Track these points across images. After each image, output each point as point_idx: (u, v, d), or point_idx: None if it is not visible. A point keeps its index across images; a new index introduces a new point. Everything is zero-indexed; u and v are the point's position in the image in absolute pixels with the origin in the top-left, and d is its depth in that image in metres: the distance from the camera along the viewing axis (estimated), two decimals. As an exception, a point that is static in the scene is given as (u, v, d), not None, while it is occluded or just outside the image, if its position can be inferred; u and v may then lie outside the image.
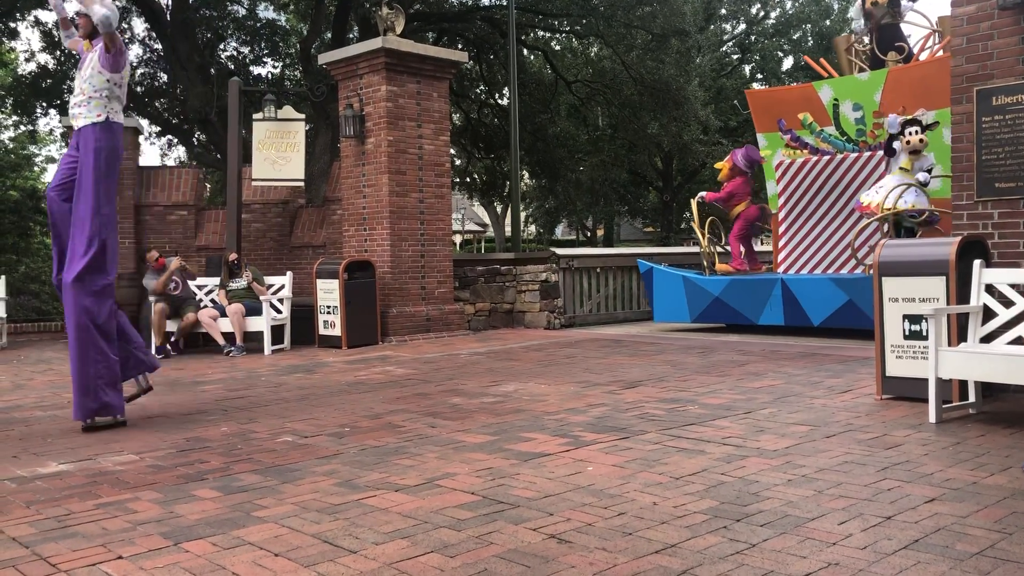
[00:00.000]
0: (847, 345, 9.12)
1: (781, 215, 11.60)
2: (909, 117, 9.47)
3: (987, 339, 5.47)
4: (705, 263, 11.78)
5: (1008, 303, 5.44)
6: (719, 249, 12.39)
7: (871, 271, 9.15)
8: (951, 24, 6.48)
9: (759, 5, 35.19)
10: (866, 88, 10.93)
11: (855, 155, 10.83)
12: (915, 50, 11.35)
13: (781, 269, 11.56)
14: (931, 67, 10.38)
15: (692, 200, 12.29)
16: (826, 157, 11.07)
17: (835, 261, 10.94)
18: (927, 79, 10.23)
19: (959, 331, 5.57)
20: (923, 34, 11.55)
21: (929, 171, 9.41)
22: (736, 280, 10.89)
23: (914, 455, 4.46)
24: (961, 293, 5.61)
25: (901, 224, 9.39)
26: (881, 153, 10.14)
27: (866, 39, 11.38)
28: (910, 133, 9.39)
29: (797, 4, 34.94)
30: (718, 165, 12.20)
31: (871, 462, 4.33)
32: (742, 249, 11.84)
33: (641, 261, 12.38)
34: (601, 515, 3.60)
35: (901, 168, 9.44)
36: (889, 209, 9.15)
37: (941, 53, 10.49)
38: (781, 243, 11.63)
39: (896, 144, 9.50)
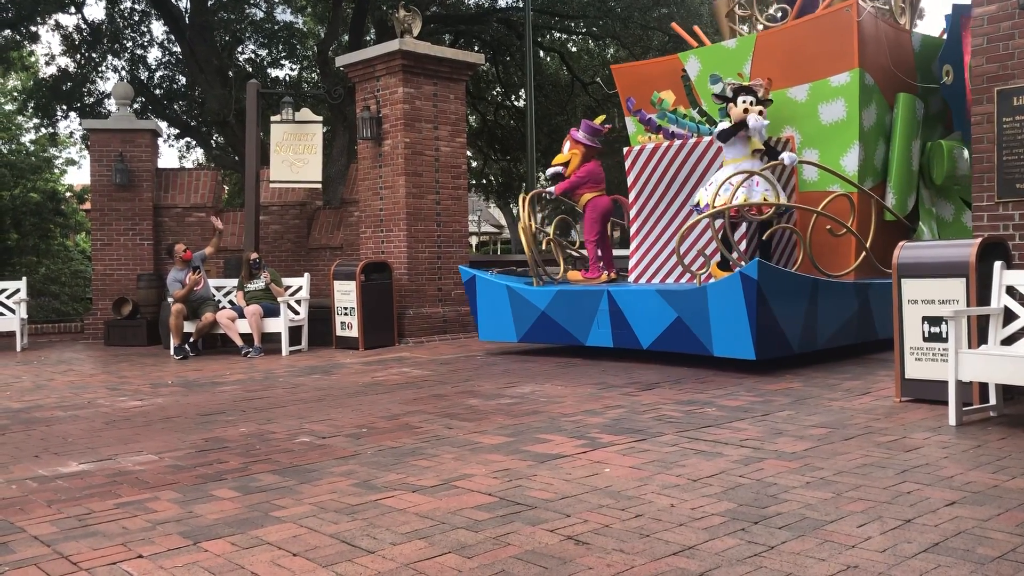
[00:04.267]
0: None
1: (632, 212, 9.89)
2: (744, 84, 8.17)
3: (1008, 341, 5.42)
4: (533, 270, 9.64)
5: (1029, 305, 5.38)
6: (572, 252, 10.63)
7: (703, 281, 7.89)
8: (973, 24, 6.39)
9: (776, 5, 35.01)
10: (735, 57, 9.43)
11: (709, 138, 8.93)
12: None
13: (632, 277, 9.89)
14: (801, 30, 8.99)
15: (521, 195, 10.16)
16: (678, 142, 9.24)
17: (691, 264, 8.93)
18: (798, 45, 8.91)
19: (979, 333, 5.53)
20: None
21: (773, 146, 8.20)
22: (563, 292, 9.02)
23: (934, 458, 4.43)
24: (981, 295, 5.56)
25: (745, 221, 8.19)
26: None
27: None
28: (744, 102, 7.98)
29: (815, 4, 34.74)
30: (560, 158, 9.93)
31: (890, 465, 4.30)
32: (598, 252, 9.76)
33: (463, 268, 10.25)
34: (618, 517, 3.60)
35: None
36: (724, 205, 7.87)
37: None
38: (632, 245, 9.94)
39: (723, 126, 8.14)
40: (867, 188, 8.77)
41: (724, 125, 8.26)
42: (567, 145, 9.91)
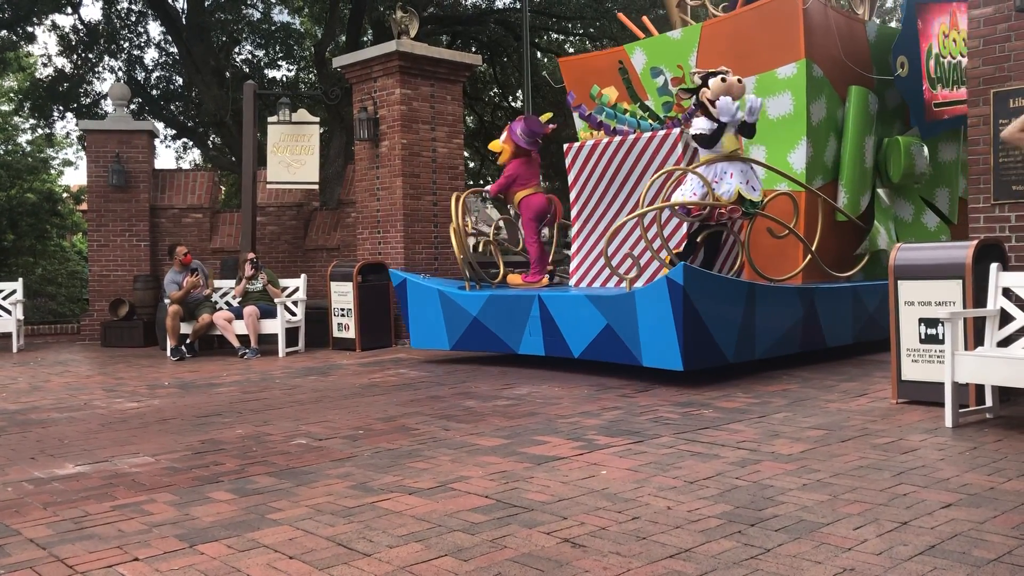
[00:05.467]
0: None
1: (574, 212, 9.32)
2: (711, 71, 7.47)
3: (1004, 343, 5.43)
4: (467, 274, 9.14)
5: (1025, 307, 5.39)
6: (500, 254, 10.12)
7: (632, 286, 7.36)
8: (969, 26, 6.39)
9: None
10: (680, 48, 8.98)
11: (649, 134, 8.37)
12: None
13: (574, 280, 9.35)
14: (746, 20, 8.57)
15: (455, 194, 9.52)
16: (618, 138, 8.66)
17: (631, 271, 8.11)
18: (744, 35, 8.47)
19: (976, 335, 5.53)
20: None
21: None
22: (495, 297, 8.56)
23: (930, 460, 4.43)
24: (978, 297, 5.57)
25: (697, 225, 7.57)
26: (678, 131, 8.05)
27: None
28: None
29: (812, 6, 34.71)
30: (494, 145, 9.62)
31: (887, 467, 4.31)
32: (540, 252, 9.47)
33: (393, 271, 9.88)
34: (615, 519, 3.60)
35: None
36: (664, 204, 7.43)
37: None
38: (574, 247, 9.35)
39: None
40: (817, 187, 8.36)
41: (698, 128, 7.51)
42: (504, 135, 9.50)
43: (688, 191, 7.48)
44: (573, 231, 9.40)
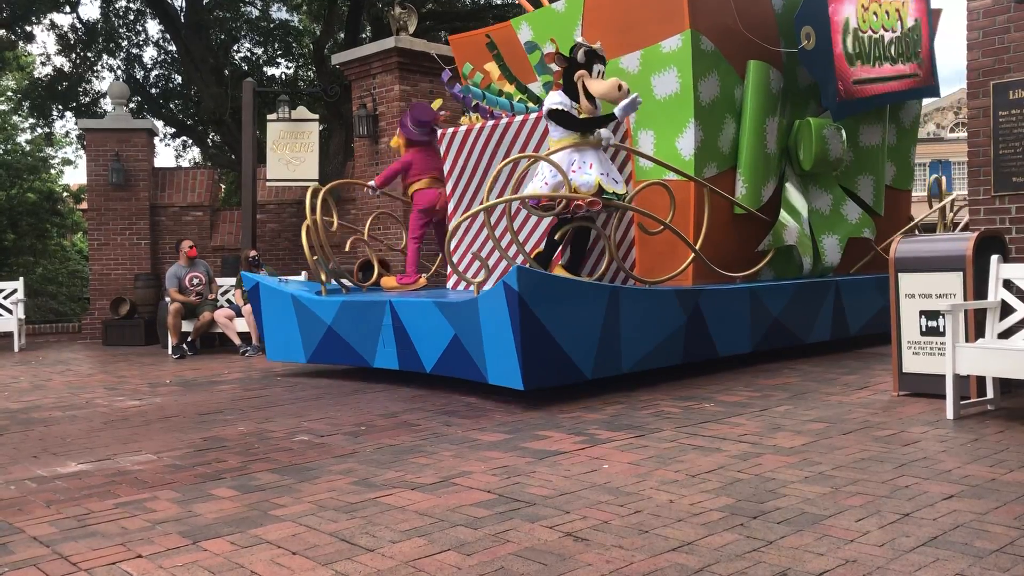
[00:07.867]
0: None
1: (451, 205, 8.47)
2: (595, 48, 6.66)
3: (1005, 335, 5.43)
4: (323, 277, 8.23)
5: (1026, 298, 5.39)
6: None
7: (479, 289, 6.61)
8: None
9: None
10: (564, 21, 8.14)
11: (521, 117, 7.68)
12: None
13: (451, 283, 8.64)
14: None
15: (312, 187, 8.51)
16: (491, 123, 7.92)
17: (478, 273, 7.38)
18: (628, 3, 7.65)
19: (977, 327, 5.54)
20: None
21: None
22: (348, 303, 7.67)
23: (932, 452, 4.44)
24: (979, 289, 5.57)
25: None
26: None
27: None
28: (599, 73, 6.62)
29: None
30: (393, 142, 9.08)
31: (888, 459, 4.31)
32: (419, 253, 8.74)
33: (245, 274, 9.03)
34: (617, 513, 3.60)
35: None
36: (509, 198, 6.68)
37: None
38: (452, 244, 8.10)
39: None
40: (709, 176, 7.48)
41: (554, 102, 6.69)
42: (398, 130, 8.99)
43: (539, 181, 6.67)
44: (452, 225, 8.15)
